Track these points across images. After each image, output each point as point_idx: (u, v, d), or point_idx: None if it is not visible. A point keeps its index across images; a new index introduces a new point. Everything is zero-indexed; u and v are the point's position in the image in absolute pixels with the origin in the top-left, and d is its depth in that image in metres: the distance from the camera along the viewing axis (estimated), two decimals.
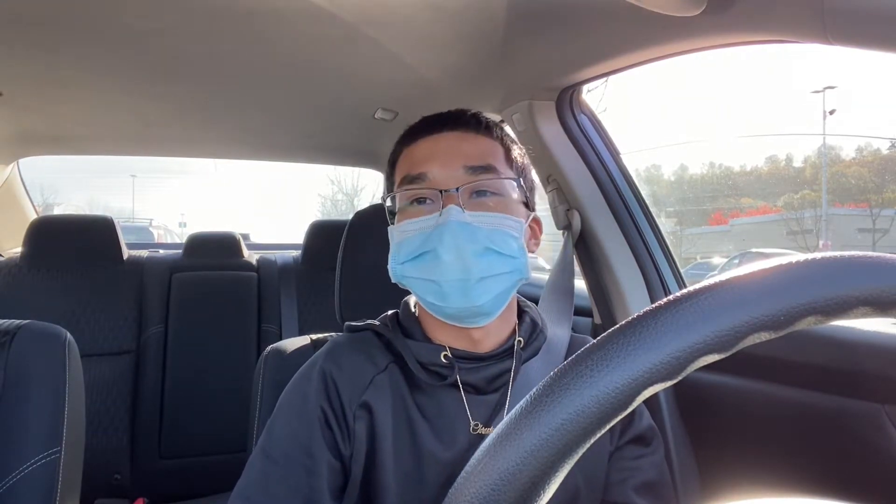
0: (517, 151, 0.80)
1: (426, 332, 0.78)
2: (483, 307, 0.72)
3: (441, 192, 0.72)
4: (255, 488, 0.71)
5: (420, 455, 0.72)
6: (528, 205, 0.79)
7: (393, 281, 0.76)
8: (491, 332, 0.76)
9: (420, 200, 0.74)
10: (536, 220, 0.81)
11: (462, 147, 0.75)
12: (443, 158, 0.74)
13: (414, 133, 0.79)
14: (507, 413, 0.73)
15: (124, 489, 1.99)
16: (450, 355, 0.74)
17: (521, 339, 0.78)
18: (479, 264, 0.70)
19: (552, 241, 1.36)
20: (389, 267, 0.76)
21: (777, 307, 0.27)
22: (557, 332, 0.87)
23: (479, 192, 0.73)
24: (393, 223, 0.77)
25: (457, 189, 0.71)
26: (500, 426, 0.28)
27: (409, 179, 0.75)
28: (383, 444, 0.72)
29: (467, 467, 0.28)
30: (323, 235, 2.28)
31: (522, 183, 0.78)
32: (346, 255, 1.05)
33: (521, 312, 0.82)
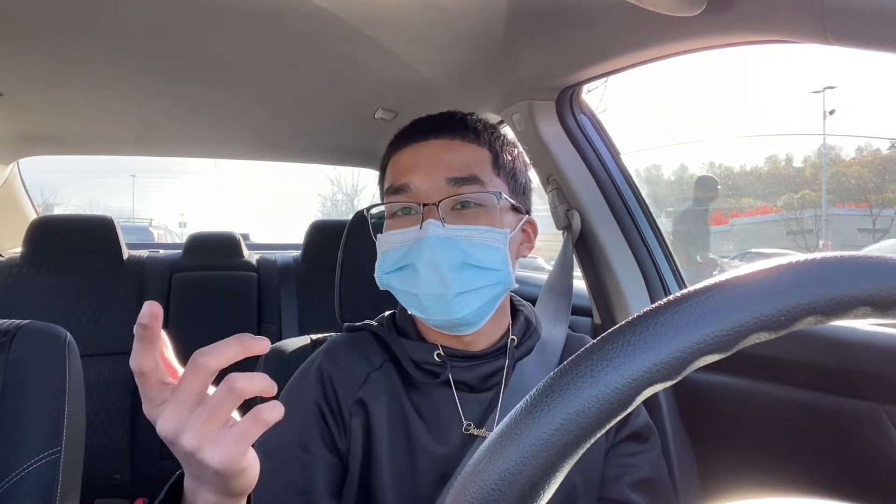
0: (508, 155, 0.78)
1: (420, 332, 0.79)
2: (465, 319, 0.72)
3: (422, 205, 0.72)
4: None
5: (414, 451, 0.73)
6: (520, 209, 0.78)
7: (381, 288, 0.77)
8: (482, 334, 0.77)
9: (406, 210, 0.74)
10: (531, 223, 0.80)
11: (445, 157, 0.74)
12: (425, 169, 0.74)
13: (401, 139, 0.79)
14: (499, 411, 0.74)
15: (124, 489, 1.99)
16: (442, 354, 0.75)
17: (514, 337, 0.79)
18: (457, 279, 0.70)
19: (549, 241, 1.36)
20: (376, 275, 0.76)
21: (777, 307, 0.27)
22: (553, 331, 0.87)
23: (463, 204, 0.72)
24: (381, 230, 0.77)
25: (437, 203, 0.71)
26: (500, 426, 0.28)
27: (394, 190, 0.75)
28: (379, 440, 0.73)
29: (467, 467, 0.28)
30: (323, 235, 2.28)
31: (512, 188, 0.77)
32: (346, 255, 1.05)
33: (515, 312, 0.82)
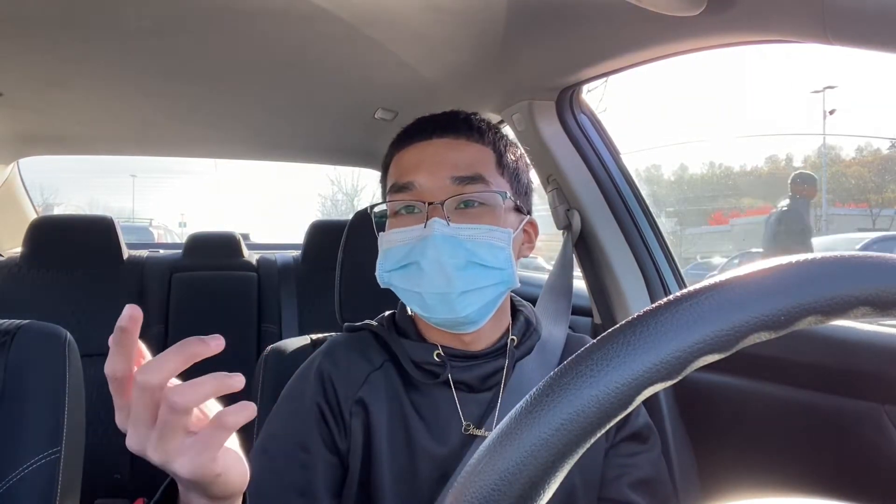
0: (511, 155, 0.78)
1: (420, 332, 0.79)
2: (468, 317, 0.72)
3: (427, 203, 0.71)
4: (253, 485, 0.71)
5: (414, 451, 0.73)
6: (522, 209, 0.78)
7: (381, 286, 0.77)
8: (482, 334, 0.77)
9: (409, 209, 0.74)
10: (532, 224, 0.80)
11: (450, 156, 0.74)
12: (430, 167, 0.73)
13: (405, 137, 0.79)
14: (498, 412, 0.74)
15: (124, 489, 1.99)
16: (442, 354, 0.75)
17: (514, 337, 0.78)
18: (461, 278, 0.70)
19: (549, 241, 1.36)
20: (377, 273, 0.76)
21: (777, 307, 0.27)
22: (553, 331, 0.87)
23: (467, 203, 0.72)
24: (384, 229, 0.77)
25: (442, 202, 0.71)
26: (501, 426, 0.28)
27: (397, 188, 0.75)
28: (378, 440, 0.73)
29: (467, 467, 0.28)
30: (323, 235, 2.28)
31: (515, 189, 0.77)
32: (346, 255, 1.05)
33: (515, 311, 0.82)
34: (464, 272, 0.70)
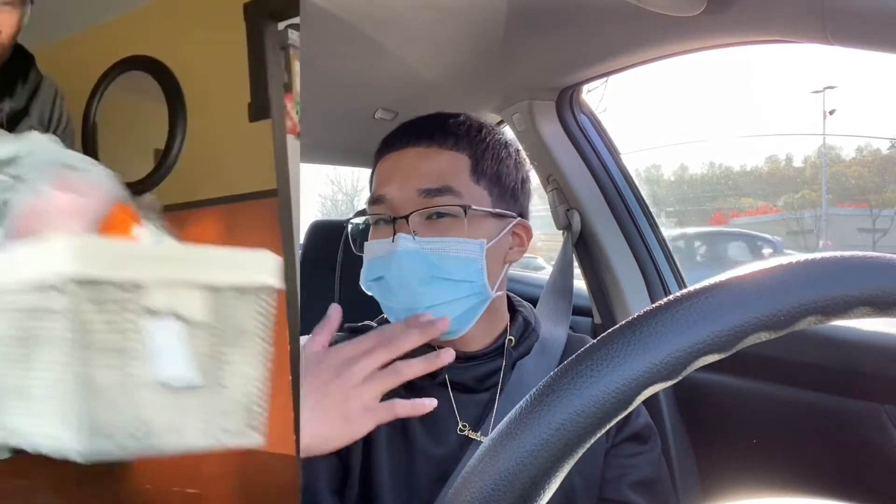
0: (491, 159, 0.75)
1: None
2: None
3: (393, 218, 0.71)
4: None
5: (412, 452, 0.73)
6: (506, 214, 0.75)
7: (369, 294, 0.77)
8: (471, 338, 0.75)
9: (386, 220, 0.73)
10: (523, 226, 0.78)
11: (421, 167, 0.72)
12: (400, 180, 0.72)
13: (384, 146, 0.78)
14: (495, 412, 0.73)
15: None
16: None
17: (511, 338, 0.78)
18: (426, 293, 0.69)
19: (549, 241, 1.36)
20: (361, 282, 0.76)
21: (777, 307, 0.27)
22: (553, 331, 0.86)
23: (439, 214, 0.70)
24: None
25: (407, 216, 0.70)
26: (501, 426, 0.28)
27: (372, 200, 0.74)
28: (378, 441, 0.73)
29: (467, 467, 0.28)
30: (323, 235, 2.28)
31: (497, 194, 0.74)
32: (347, 255, 1.05)
33: (514, 312, 0.82)
34: (428, 287, 0.69)
